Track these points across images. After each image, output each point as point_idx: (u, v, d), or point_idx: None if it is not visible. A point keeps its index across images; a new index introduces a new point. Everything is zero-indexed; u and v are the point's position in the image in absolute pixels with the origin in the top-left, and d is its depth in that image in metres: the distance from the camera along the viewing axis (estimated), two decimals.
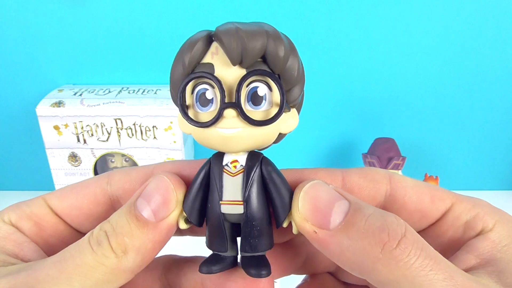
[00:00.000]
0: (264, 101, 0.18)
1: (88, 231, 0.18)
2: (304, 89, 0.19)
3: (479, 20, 0.60)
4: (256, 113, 0.18)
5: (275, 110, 0.18)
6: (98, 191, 0.20)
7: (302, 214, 0.18)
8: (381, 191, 0.21)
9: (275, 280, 0.21)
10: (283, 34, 0.18)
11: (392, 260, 0.16)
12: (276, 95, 0.18)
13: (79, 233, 0.21)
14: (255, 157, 0.19)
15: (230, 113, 0.17)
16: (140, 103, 0.58)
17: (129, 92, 0.60)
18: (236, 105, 0.17)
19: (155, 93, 0.60)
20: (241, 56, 0.17)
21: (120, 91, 0.61)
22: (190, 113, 0.18)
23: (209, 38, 0.18)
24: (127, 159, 0.64)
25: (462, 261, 0.18)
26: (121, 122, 0.58)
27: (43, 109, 0.57)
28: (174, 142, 0.59)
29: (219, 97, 0.17)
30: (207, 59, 0.18)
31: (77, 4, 0.59)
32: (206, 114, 0.18)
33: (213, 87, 0.18)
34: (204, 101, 0.18)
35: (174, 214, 0.18)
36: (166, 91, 0.61)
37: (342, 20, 0.61)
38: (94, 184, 0.21)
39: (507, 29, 0.61)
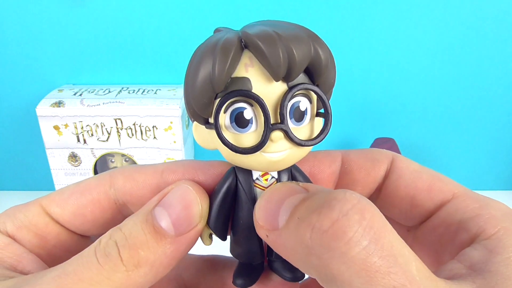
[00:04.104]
0: (305, 115, 0.16)
1: (95, 236, 0.16)
2: None
3: (479, 20, 0.60)
4: (299, 130, 0.16)
5: (315, 122, 0.17)
6: (101, 197, 0.18)
7: (257, 220, 0.16)
8: (381, 171, 0.19)
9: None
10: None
11: (323, 248, 0.12)
12: (315, 106, 0.17)
13: (87, 238, 0.19)
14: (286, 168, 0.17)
15: (277, 135, 0.15)
16: (140, 103, 0.58)
17: (129, 92, 0.60)
18: (284, 127, 0.15)
19: (155, 93, 0.60)
20: (286, 71, 0.15)
21: (120, 91, 0.61)
22: (225, 134, 0.16)
23: (241, 45, 0.15)
24: (127, 159, 0.64)
25: (449, 270, 0.15)
26: (121, 122, 0.58)
27: (43, 109, 0.57)
28: (174, 142, 0.59)
29: (261, 117, 0.15)
30: (240, 72, 0.15)
31: (77, 4, 0.59)
32: (246, 136, 0.16)
33: (251, 105, 0.15)
34: (242, 122, 0.16)
35: (197, 229, 0.16)
36: (166, 91, 0.61)
37: (342, 20, 0.61)
38: (96, 189, 0.18)
39: (507, 29, 0.61)
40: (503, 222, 0.16)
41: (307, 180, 0.18)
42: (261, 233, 0.16)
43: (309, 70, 0.16)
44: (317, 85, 0.16)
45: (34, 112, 0.57)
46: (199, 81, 0.15)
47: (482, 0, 0.59)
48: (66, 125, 0.58)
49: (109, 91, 0.60)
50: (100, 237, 0.16)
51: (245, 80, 0.15)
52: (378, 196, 0.20)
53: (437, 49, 0.63)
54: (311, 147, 0.17)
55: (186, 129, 0.61)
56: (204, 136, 0.17)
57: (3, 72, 0.63)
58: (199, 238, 0.18)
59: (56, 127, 0.58)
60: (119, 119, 0.58)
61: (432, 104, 0.67)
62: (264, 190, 0.17)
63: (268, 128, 0.15)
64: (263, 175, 0.17)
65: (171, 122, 0.58)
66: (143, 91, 0.61)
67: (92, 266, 0.15)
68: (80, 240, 0.19)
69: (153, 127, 0.58)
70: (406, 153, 0.65)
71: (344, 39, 0.62)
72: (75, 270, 0.15)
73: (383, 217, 0.13)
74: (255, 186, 0.17)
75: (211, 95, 0.15)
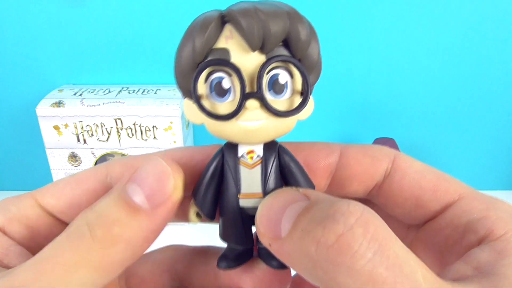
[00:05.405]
0: (285, 89, 0.17)
1: None
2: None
3: (479, 20, 0.60)
4: (278, 102, 0.16)
5: (297, 98, 0.17)
6: (98, 186, 0.18)
7: (259, 227, 0.15)
8: (380, 170, 0.18)
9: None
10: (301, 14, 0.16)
11: (329, 262, 0.12)
12: (298, 82, 0.17)
13: None
14: (272, 146, 0.17)
15: (252, 104, 0.16)
16: (140, 103, 0.58)
17: (129, 92, 0.60)
18: (259, 95, 0.16)
19: (155, 93, 0.60)
20: (262, 41, 0.15)
21: (120, 91, 0.61)
22: (205, 103, 0.16)
23: (222, 20, 0.16)
24: None
25: (456, 271, 0.15)
26: (121, 122, 0.58)
27: (43, 109, 0.57)
28: (174, 142, 0.59)
29: (238, 87, 0.16)
30: (220, 43, 0.16)
31: (77, 4, 0.59)
32: (224, 105, 0.16)
33: (230, 75, 0.16)
34: (220, 91, 0.16)
35: (173, 200, 0.16)
36: (166, 91, 0.61)
37: (342, 19, 0.61)
38: (92, 177, 0.18)
39: (507, 29, 0.61)
40: (511, 224, 0.15)
41: (296, 164, 0.18)
42: (264, 240, 0.16)
43: (289, 44, 0.16)
44: (299, 60, 0.17)
45: (34, 112, 0.57)
46: (183, 55, 0.16)
47: (482, 0, 0.59)
48: (66, 125, 0.58)
49: (109, 91, 0.60)
50: (72, 221, 0.16)
51: (224, 50, 0.16)
52: (378, 194, 0.20)
53: (437, 49, 0.63)
54: (294, 122, 0.17)
55: (186, 129, 0.61)
56: (192, 110, 0.17)
57: (3, 72, 0.63)
58: (188, 221, 0.18)
59: (56, 127, 0.58)
60: (119, 119, 0.58)
61: (432, 104, 0.67)
62: (249, 167, 0.17)
63: (244, 96, 0.16)
64: (248, 153, 0.17)
65: (171, 122, 0.58)
66: (143, 91, 0.61)
67: (66, 248, 0.15)
68: None
69: (153, 127, 0.58)
70: (406, 153, 0.65)
71: (344, 39, 0.62)
72: (51, 255, 0.15)
73: (387, 227, 0.13)
74: (240, 163, 0.17)
75: (193, 65, 0.16)
